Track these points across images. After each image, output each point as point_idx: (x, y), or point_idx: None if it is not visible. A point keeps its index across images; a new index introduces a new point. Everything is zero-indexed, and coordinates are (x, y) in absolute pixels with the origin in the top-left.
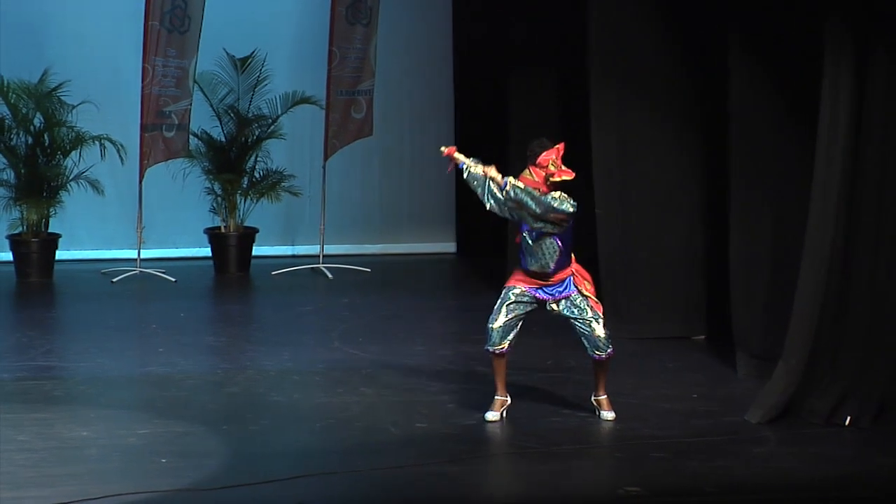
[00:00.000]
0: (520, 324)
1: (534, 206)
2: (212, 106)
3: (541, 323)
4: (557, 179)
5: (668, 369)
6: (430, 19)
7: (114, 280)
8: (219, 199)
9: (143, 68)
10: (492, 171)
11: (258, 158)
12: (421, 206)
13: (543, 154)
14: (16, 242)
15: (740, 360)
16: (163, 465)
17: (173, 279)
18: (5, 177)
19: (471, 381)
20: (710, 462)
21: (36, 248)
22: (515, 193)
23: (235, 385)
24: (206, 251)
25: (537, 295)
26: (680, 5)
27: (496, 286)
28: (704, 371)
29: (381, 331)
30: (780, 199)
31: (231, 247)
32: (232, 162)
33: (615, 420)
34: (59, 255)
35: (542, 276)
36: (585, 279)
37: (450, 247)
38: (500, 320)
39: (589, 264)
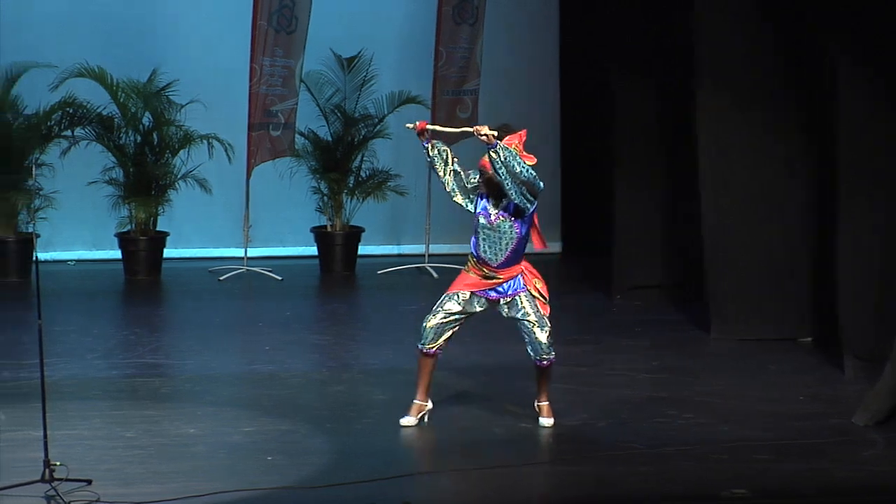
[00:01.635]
0: (458, 327)
1: (520, 170)
2: (318, 105)
3: (638, 324)
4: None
5: (773, 371)
6: (537, 19)
7: (221, 278)
8: (325, 198)
9: (251, 68)
10: (484, 129)
11: (364, 158)
12: None
13: (507, 137)
14: (124, 241)
15: (848, 362)
16: (268, 463)
17: (279, 278)
18: (114, 175)
19: (572, 381)
20: (815, 465)
21: (144, 246)
22: (506, 153)
23: (340, 383)
24: (313, 250)
25: (489, 296)
26: (783, 11)
27: (601, 286)
28: (811, 373)
29: (484, 330)
30: (889, 200)
31: (337, 246)
32: (338, 161)
33: (551, 427)
34: (167, 253)
35: (492, 271)
36: (536, 277)
37: (554, 246)
38: (435, 320)
39: (696, 267)
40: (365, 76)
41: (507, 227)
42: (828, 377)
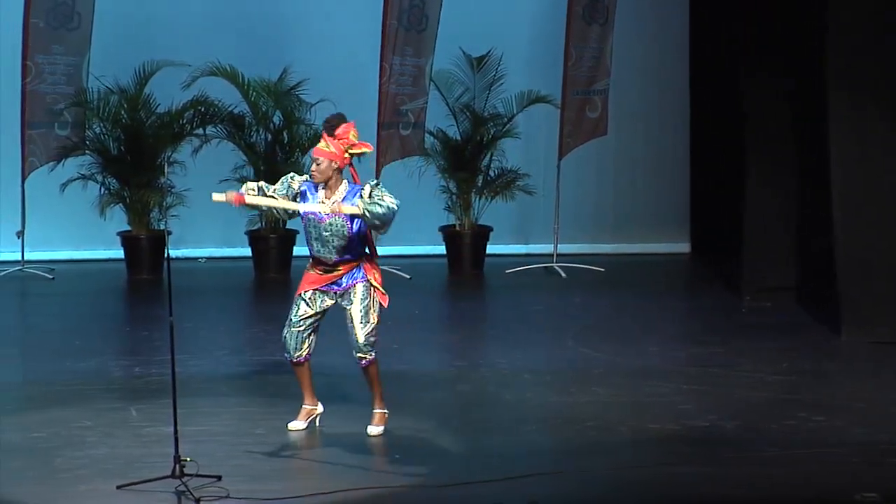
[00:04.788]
0: (317, 326)
1: (390, 214)
2: (447, 104)
3: (767, 326)
4: (357, 151)
5: None
6: (667, 19)
7: None
8: (453, 197)
9: (381, 67)
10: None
11: (493, 157)
12: (655, 205)
13: (343, 126)
14: (254, 238)
15: None
16: (396, 461)
17: (408, 276)
18: (245, 173)
19: (704, 382)
20: None
21: (274, 243)
22: (376, 211)
23: (468, 382)
24: (441, 249)
25: (333, 290)
26: None
27: (731, 287)
28: None
29: (614, 330)
30: None
31: (465, 245)
32: (467, 160)
33: (377, 436)
34: (297, 251)
35: (330, 267)
36: (375, 269)
37: (684, 247)
38: (293, 330)
39: (827, 269)
40: (494, 75)
41: (338, 225)
42: None
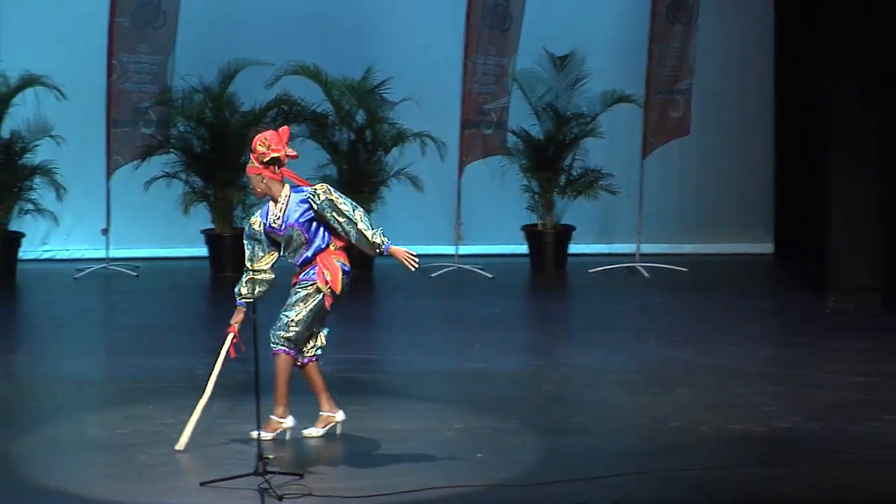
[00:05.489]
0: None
1: (357, 218)
2: (530, 104)
3: (851, 327)
4: (268, 159)
5: None
6: (751, 18)
7: (432, 275)
8: (536, 196)
9: (464, 66)
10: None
11: (575, 156)
12: (738, 205)
13: (255, 139)
14: None
15: None
16: (478, 461)
17: (490, 275)
18: (328, 172)
19: (787, 383)
20: None
21: None
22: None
23: (551, 382)
24: (523, 248)
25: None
26: None
27: (813, 289)
28: None
29: (696, 331)
30: None
31: (548, 244)
32: (549, 159)
33: (312, 437)
34: None
35: (298, 268)
36: (328, 268)
37: (766, 248)
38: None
39: None
40: (577, 75)
41: (295, 234)
42: None
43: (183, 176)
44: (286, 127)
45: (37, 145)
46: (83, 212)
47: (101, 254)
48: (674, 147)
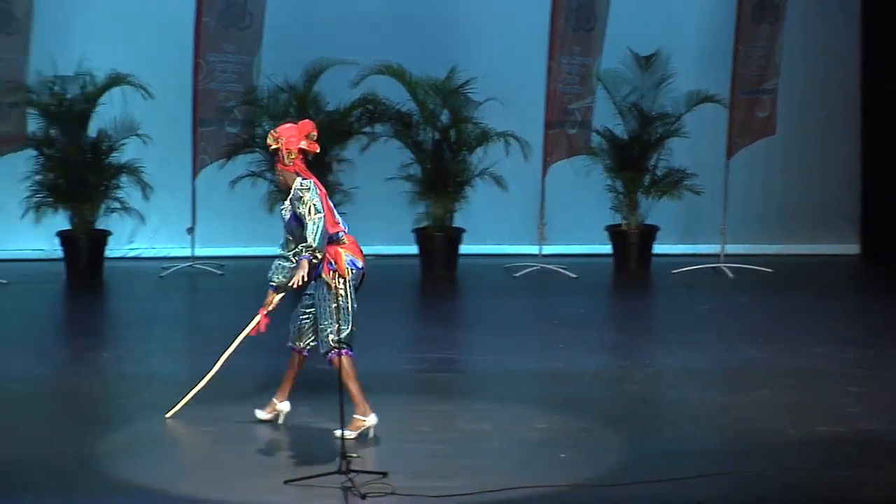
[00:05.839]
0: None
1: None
2: (614, 104)
3: None
4: (276, 147)
5: None
6: (838, 17)
7: (516, 275)
8: (620, 196)
9: (549, 66)
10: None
11: (660, 156)
12: (823, 205)
13: (282, 130)
14: (421, 236)
15: None
16: (561, 460)
17: (574, 275)
18: (412, 171)
19: (871, 385)
20: None
21: (440, 242)
22: (312, 253)
23: (634, 382)
24: (607, 248)
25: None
26: None
27: None
28: None
29: (780, 331)
30: None
31: (632, 244)
32: (634, 159)
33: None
34: (463, 249)
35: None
36: (332, 257)
37: (853, 248)
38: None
39: None
40: (662, 74)
41: (293, 228)
42: None
43: (268, 175)
44: (307, 120)
45: (123, 144)
46: (169, 211)
47: (187, 252)
48: (759, 146)
